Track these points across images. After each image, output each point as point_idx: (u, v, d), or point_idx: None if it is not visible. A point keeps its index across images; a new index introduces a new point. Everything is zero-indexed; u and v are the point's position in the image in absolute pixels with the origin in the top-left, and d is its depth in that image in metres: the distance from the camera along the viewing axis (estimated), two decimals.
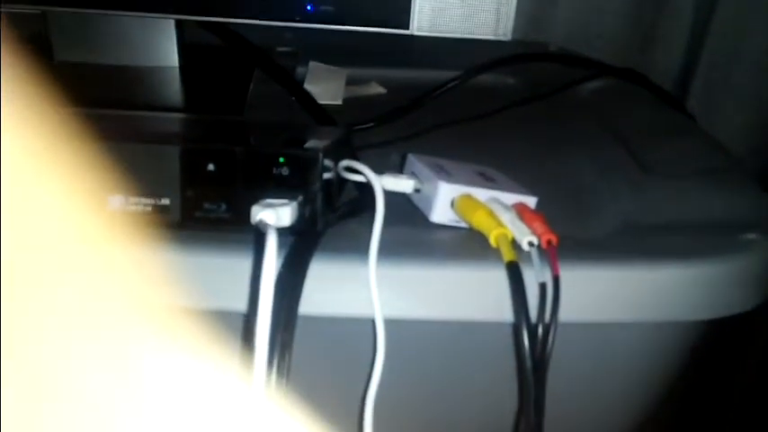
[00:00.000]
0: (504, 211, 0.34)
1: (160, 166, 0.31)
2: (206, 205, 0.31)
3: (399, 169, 0.39)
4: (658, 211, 0.39)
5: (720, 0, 0.73)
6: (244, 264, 0.32)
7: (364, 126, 0.48)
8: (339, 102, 0.54)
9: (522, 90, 0.58)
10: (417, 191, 0.36)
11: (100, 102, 0.45)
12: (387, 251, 0.32)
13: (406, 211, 0.37)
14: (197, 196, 0.31)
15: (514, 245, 0.32)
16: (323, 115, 0.49)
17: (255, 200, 0.30)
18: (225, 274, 0.32)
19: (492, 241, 0.33)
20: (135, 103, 0.49)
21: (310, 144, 0.32)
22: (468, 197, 0.35)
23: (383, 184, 0.33)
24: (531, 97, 0.55)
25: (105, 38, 0.53)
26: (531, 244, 0.32)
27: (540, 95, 0.55)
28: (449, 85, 0.54)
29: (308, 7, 0.48)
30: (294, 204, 0.30)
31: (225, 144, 0.31)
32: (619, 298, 0.34)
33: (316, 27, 0.48)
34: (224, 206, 0.31)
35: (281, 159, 0.31)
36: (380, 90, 0.57)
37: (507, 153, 0.45)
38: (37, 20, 0.53)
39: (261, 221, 0.29)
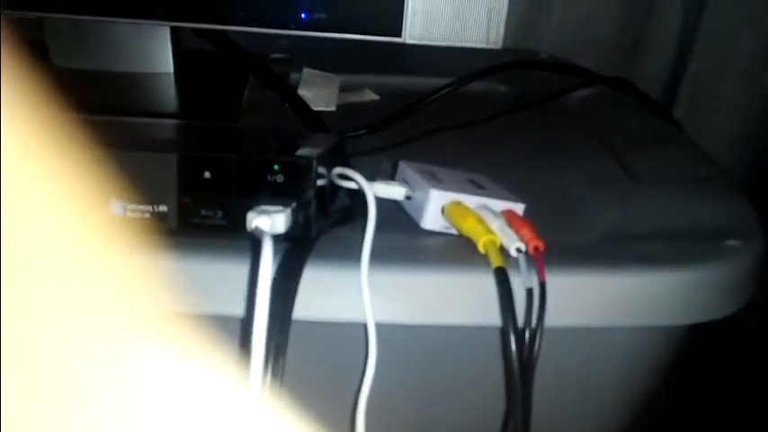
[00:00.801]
0: (493, 218, 0.34)
1: (158, 173, 0.32)
2: (203, 212, 0.32)
3: (391, 176, 0.40)
4: (644, 219, 0.40)
5: (708, 8, 0.74)
6: (239, 269, 0.32)
7: (357, 133, 0.49)
8: (333, 108, 0.54)
9: (512, 98, 0.58)
10: (408, 198, 0.37)
11: (95, 108, 0.46)
12: (378, 257, 0.32)
13: (397, 218, 0.37)
14: (194, 203, 0.32)
15: (503, 251, 0.33)
16: (316, 122, 0.49)
17: (250, 206, 0.31)
18: (221, 279, 0.33)
19: (480, 248, 0.33)
20: (130, 110, 0.49)
21: (304, 151, 0.33)
22: (459, 204, 0.35)
23: (375, 190, 0.34)
24: (521, 105, 0.56)
25: (101, 44, 0.54)
26: (518, 250, 0.33)
27: (530, 103, 0.56)
28: (441, 93, 0.55)
29: (303, 15, 0.48)
30: (288, 211, 0.31)
31: (221, 152, 0.32)
32: (604, 303, 0.34)
33: (310, 35, 0.49)
34: (220, 213, 0.32)
35: (276, 167, 0.32)
36: (373, 97, 0.58)
37: (497, 160, 0.45)
38: (32, 25, 0.53)
39: (256, 228, 0.29)
